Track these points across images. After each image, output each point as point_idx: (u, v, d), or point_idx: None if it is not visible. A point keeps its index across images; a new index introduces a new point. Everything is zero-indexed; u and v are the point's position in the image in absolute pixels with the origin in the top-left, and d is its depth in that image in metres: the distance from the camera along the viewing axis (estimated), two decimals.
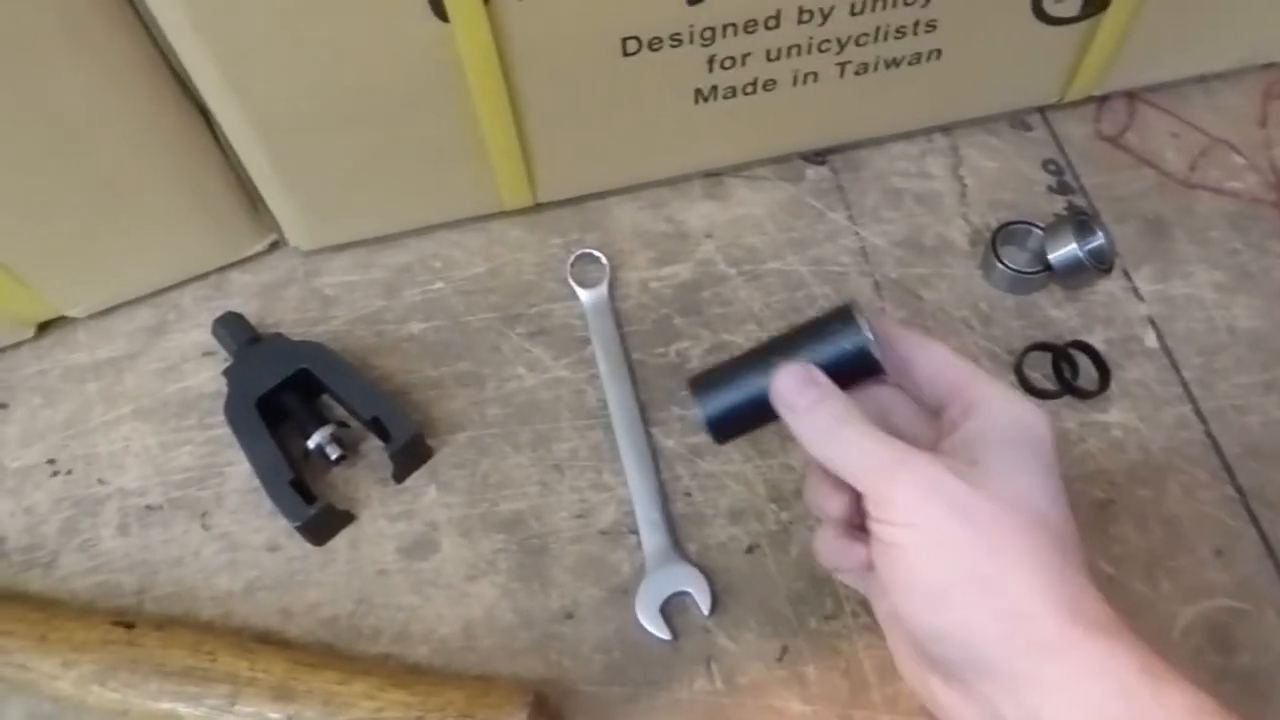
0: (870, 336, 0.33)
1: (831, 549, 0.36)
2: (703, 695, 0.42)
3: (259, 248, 0.54)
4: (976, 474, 0.31)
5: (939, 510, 0.30)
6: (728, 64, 0.48)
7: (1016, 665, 0.29)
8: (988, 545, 0.30)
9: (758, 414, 0.35)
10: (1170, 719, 0.27)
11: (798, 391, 0.33)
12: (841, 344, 0.34)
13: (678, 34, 0.46)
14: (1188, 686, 0.28)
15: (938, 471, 0.30)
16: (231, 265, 0.54)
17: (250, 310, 0.52)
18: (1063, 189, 0.56)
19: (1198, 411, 0.48)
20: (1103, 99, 0.59)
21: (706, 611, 0.43)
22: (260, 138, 0.46)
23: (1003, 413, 0.33)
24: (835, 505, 0.34)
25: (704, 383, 0.35)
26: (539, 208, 0.55)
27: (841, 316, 0.34)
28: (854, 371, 0.34)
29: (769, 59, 0.48)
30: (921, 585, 0.30)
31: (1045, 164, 0.57)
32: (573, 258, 0.53)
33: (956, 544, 0.30)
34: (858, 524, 0.34)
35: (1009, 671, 0.29)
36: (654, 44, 0.46)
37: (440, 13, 0.42)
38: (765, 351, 0.35)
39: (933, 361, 0.35)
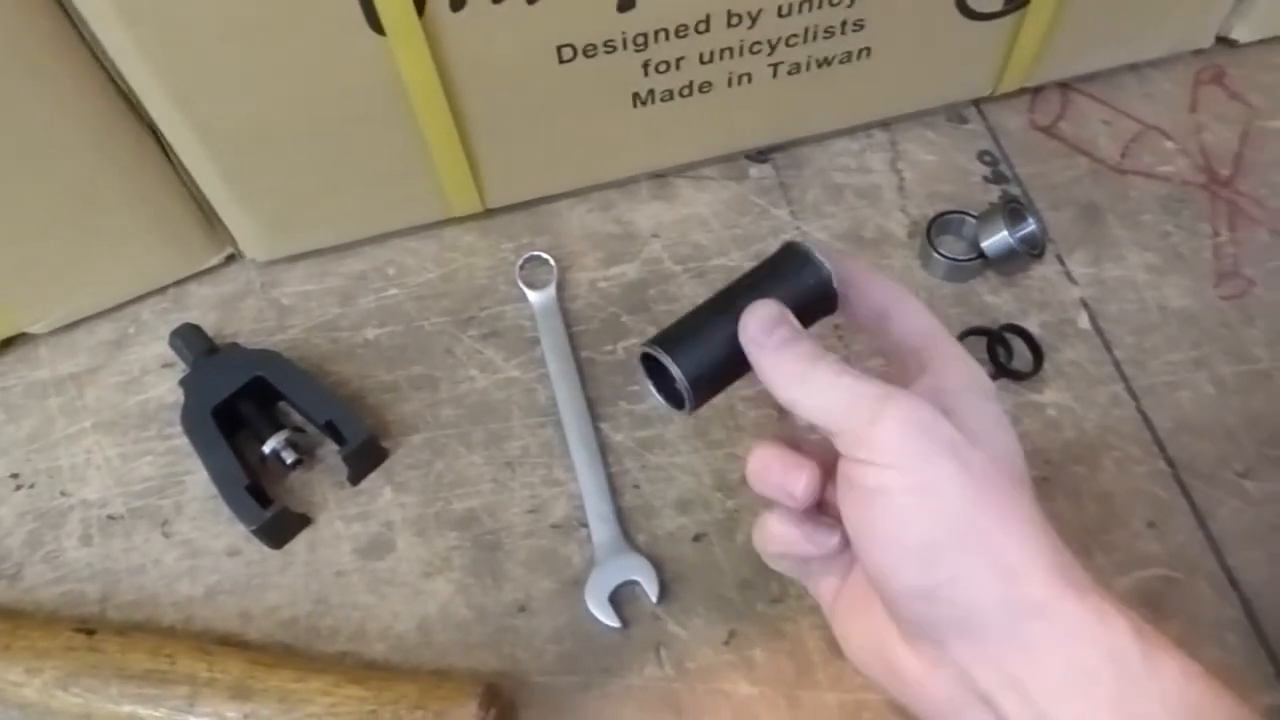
0: (829, 268, 0.32)
1: (785, 534, 0.33)
2: (653, 681, 0.43)
3: (216, 260, 0.55)
4: (957, 422, 0.29)
5: (932, 451, 0.28)
6: (662, 68, 0.49)
7: (1006, 625, 0.28)
8: (982, 495, 0.28)
9: (732, 365, 0.32)
10: (1162, 685, 0.27)
11: (767, 328, 0.31)
12: (804, 278, 0.32)
13: (611, 40, 0.47)
14: (1176, 652, 0.27)
15: (927, 410, 0.28)
16: (190, 278, 0.55)
17: (209, 321, 0.53)
18: (998, 179, 0.57)
19: (1130, 389, 0.50)
20: (1036, 90, 0.60)
21: (654, 599, 0.44)
22: (210, 154, 0.48)
23: (968, 368, 0.32)
24: (798, 482, 0.32)
25: (671, 342, 0.32)
26: (490, 213, 0.56)
27: (794, 253, 0.32)
28: (813, 310, 0.33)
29: (702, 62, 0.49)
30: (910, 536, 0.28)
31: (981, 155, 0.58)
32: (522, 260, 0.55)
33: (950, 491, 0.28)
34: (818, 505, 0.33)
35: (996, 632, 0.28)
36: (588, 51, 0.47)
37: (377, 27, 0.43)
38: (723, 300, 0.33)
39: (909, 313, 0.34)
